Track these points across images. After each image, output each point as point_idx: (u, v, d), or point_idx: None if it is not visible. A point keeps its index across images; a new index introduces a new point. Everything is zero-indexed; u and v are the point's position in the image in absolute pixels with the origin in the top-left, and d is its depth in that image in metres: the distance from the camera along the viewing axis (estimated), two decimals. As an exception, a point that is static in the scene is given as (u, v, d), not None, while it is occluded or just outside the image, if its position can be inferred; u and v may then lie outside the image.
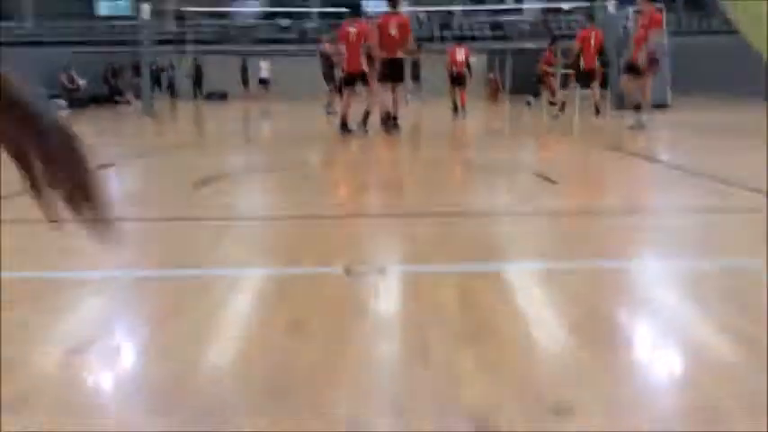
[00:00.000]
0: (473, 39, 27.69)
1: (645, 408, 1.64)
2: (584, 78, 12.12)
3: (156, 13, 29.74)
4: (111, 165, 6.48)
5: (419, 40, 22.51)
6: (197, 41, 28.49)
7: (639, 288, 2.70)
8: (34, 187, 0.59)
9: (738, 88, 18.61)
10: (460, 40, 16.30)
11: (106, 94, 21.93)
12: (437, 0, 33.34)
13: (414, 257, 3.13)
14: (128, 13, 31.02)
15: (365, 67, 9.36)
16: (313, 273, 2.82)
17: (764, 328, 2.04)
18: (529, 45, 29.62)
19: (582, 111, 14.27)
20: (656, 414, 1.61)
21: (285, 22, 32.06)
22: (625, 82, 9.93)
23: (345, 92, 9.68)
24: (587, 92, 12.77)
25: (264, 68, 22.95)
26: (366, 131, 9.37)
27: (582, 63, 11.79)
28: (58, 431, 1.54)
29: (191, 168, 6.42)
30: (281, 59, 25.00)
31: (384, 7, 9.75)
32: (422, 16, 32.07)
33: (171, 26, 30.87)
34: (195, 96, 25.45)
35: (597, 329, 2.16)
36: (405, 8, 10.66)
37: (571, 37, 25.41)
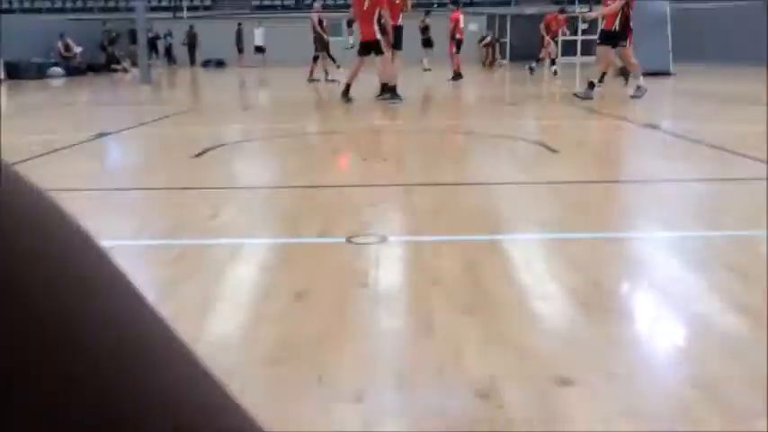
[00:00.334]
0: (471, 3, 27.35)
1: (647, 378, 1.65)
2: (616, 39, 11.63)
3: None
4: (109, 133, 6.44)
5: (421, 5, 22.29)
6: (192, 8, 28.17)
7: (642, 258, 2.70)
8: None
9: (740, 55, 18.47)
10: (456, 4, 16.06)
11: (103, 62, 21.73)
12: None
13: (416, 227, 3.13)
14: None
15: (379, 36, 9.24)
16: (315, 242, 2.82)
17: (765, 299, 2.05)
18: (530, 10, 29.34)
19: (582, 79, 14.13)
20: (658, 385, 1.62)
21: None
22: (604, 52, 9.62)
23: (357, 60, 9.55)
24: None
25: (259, 35, 22.68)
26: (398, 98, 9.29)
27: (617, 24, 11.40)
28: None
29: (189, 137, 6.39)
30: (277, 26, 24.72)
31: None
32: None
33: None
34: (192, 63, 25.22)
35: (599, 300, 2.16)
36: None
37: (576, 2, 25.18)
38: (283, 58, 22.73)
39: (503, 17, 26.42)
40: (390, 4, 9.36)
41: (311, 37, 14.42)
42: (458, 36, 14.89)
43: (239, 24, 24.65)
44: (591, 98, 9.27)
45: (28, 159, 4.58)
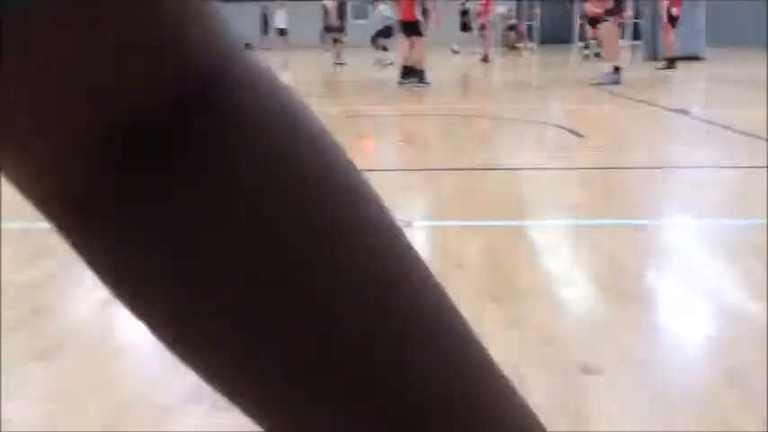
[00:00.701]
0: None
1: (674, 366, 1.65)
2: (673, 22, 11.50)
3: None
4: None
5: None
6: (219, -9, 28.28)
7: (668, 245, 2.68)
8: None
9: (758, 38, 18.10)
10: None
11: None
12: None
13: (441, 212, 3.13)
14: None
15: (420, 17, 9.28)
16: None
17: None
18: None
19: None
20: (685, 372, 1.62)
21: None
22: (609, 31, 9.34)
23: (402, 40, 9.56)
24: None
25: (280, 17, 22.63)
26: (426, 81, 9.34)
27: (673, 8, 11.25)
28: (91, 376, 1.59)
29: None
30: (300, 7, 24.67)
31: None
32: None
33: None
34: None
35: (624, 287, 2.15)
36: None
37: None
38: (308, 40, 22.74)
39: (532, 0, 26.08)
40: None
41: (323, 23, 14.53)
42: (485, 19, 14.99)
43: (263, 7, 24.69)
44: (618, 83, 9.08)
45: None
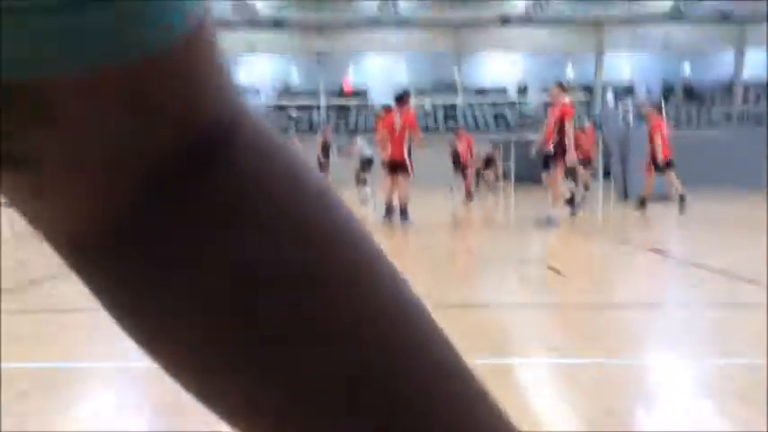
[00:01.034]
0: (476, 128, 28.34)
1: None
2: (663, 168, 11.59)
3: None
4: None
5: (425, 130, 23.06)
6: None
7: (652, 385, 2.68)
8: None
9: (738, 179, 18.86)
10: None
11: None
12: (440, 91, 34.33)
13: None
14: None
15: (407, 157, 9.55)
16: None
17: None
18: (532, 136, 30.30)
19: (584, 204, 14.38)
20: None
21: (294, 112, 32.95)
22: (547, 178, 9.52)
23: (387, 179, 9.78)
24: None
25: None
26: (409, 221, 9.52)
27: (658, 153, 11.53)
28: None
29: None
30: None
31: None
32: (427, 107, 32.95)
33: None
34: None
35: (612, 428, 2.14)
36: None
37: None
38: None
39: (507, 143, 27.26)
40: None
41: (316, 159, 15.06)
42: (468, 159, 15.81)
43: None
44: (557, 225, 9.17)
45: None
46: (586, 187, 15.77)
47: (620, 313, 4.03)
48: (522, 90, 35.09)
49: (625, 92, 32.38)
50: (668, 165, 11.40)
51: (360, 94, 34.47)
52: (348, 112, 33.19)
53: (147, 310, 0.28)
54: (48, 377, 2.63)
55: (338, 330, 0.27)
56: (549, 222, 9.20)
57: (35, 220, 0.27)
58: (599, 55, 33.83)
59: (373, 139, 12.25)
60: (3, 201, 0.30)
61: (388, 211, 9.76)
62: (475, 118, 32.74)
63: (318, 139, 15.40)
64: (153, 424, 2.20)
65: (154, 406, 2.36)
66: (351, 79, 35.93)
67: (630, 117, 18.38)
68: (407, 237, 8.31)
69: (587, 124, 15.80)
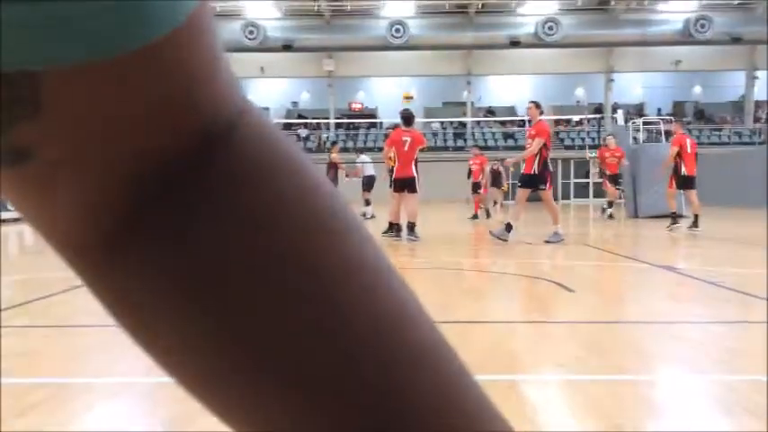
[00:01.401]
0: (486, 148, 28.41)
1: None
2: (686, 183, 11.40)
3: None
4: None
5: (434, 149, 23.14)
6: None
7: (662, 401, 2.64)
8: None
9: (750, 198, 18.76)
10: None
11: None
12: (450, 112, 34.51)
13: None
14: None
15: (416, 174, 9.63)
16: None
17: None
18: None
19: (595, 219, 14.31)
20: None
21: (304, 132, 33.14)
22: (522, 195, 9.52)
23: (395, 196, 9.85)
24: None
25: None
26: (417, 237, 9.60)
27: (684, 168, 11.52)
28: None
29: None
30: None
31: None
32: (435, 126, 33.07)
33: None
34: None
35: (622, 444, 2.10)
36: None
37: (587, 147, 26.05)
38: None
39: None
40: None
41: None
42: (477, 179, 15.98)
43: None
44: (506, 240, 9.28)
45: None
46: (610, 204, 15.73)
47: (629, 329, 3.99)
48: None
49: (636, 111, 32.42)
50: (691, 183, 11.35)
51: (369, 115, 34.68)
52: (357, 131, 33.35)
53: (152, 311, 0.27)
54: (53, 392, 2.62)
55: (346, 330, 0.27)
56: (555, 237, 9.30)
57: (36, 220, 0.27)
58: (609, 75, 33.88)
59: (377, 157, 12.38)
60: (12, 216, 0.30)
61: (392, 227, 9.82)
62: (484, 137, 32.82)
63: (330, 159, 15.47)
64: (156, 438, 2.18)
65: (159, 421, 2.34)
66: (360, 101, 36.18)
67: (640, 136, 18.36)
68: (415, 252, 8.29)
69: (611, 140, 15.68)
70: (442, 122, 33.53)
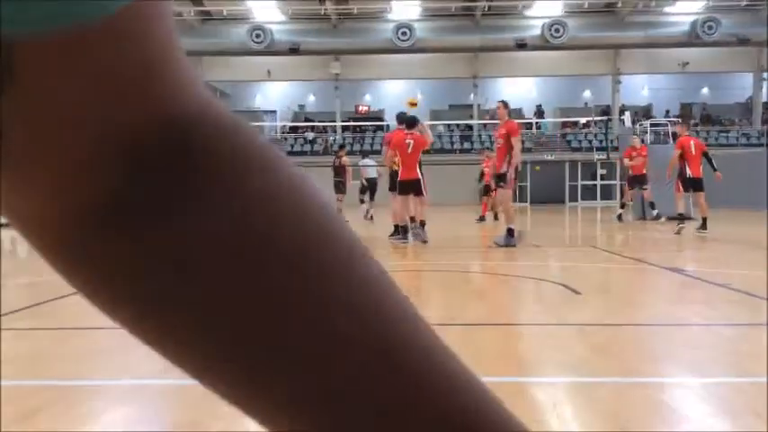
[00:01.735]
0: (492, 151, 28.41)
1: None
2: (693, 185, 11.39)
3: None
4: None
5: (441, 151, 23.09)
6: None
7: (670, 404, 2.64)
8: None
9: (757, 200, 18.66)
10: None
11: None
12: (456, 115, 34.47)
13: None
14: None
15: (420, 176, 9.60)
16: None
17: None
18: (548, 157, 30.30)
19: (602, 220, 14.24)
20: None
21: (310, 135, 33.18)
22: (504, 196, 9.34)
23: (400, 198, 9.82)
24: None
25: None
26: (424, 238, 9.56)
27: (688, 171, 11.45)
28: None
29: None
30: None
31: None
32: (442, 129, 33.04)
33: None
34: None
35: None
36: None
37: (594, 149, 25.98)
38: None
39: (522, 163, 27.32)
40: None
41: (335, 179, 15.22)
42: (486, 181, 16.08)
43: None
44: (514, 245, 8.99)
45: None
46: (623, 206, 15.67)
47: (637, 331, 3.98)
48: (539, 112, 35.14)
49: (643, 113, 32.33)
50: (698, 185, 11.30)
51: (376, 118, 34.68)
52: (364, 134, 33.37)
53: (134, 296, 0.28)
54: (58, 395, 2.64)
55: (323, 317, 0.27)
56: (505, 241, 8.94)
57: (11, 209, 0.27)
58: (616, 77, 33.80)
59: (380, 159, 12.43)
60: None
61: (398, 230, 9.79)
62: (491, 139, 32.77)
63: (336, 162, 15.50)
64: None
65: (166, 425, 2.35)
66: (367, 104, 36.20)
67: (648, 138, 18.29)
68: (422, 255, 8.30)
69: (636, 140, 15.50)
70: (448, 125, 33.52)
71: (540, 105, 35.63)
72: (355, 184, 15.33)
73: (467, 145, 32.01)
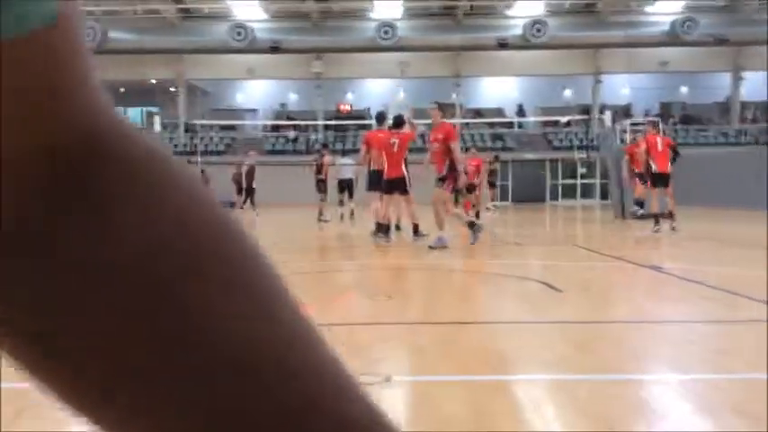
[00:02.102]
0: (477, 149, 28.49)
1: None
2: (660, 181, 11.35)
3: (166, 126, 30.78)
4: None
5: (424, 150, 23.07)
6: (206, 153, 29.24)
7: (649, 401, 2.66)
8: None
9: (736, 198, 18.89)
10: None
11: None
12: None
13: (421, 367, 3.11)
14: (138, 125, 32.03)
15: (406, 175, 9.47)
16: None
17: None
18: (529, 156, 30.46)
19: (586, 219, 14.33)
20: None
21: (292, 134, 33.05)
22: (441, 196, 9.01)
23: (385, 198, 9.69)
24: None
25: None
26: (425, 235, 9.41)
27: (654, 166, 11.39)
28: None
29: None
30: (277, 169, 25.30)
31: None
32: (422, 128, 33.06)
33: (180, 138, 31.84)
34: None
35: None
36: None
37: (574, 148, 26.11)
38: (276, 198, 23.34)
39: (504, 162, 27.32)
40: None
41: (314, 180, 15.21)
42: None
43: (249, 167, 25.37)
44: (478, 236, 9.05)
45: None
46: (641, 204, 15.67)
47: (617, 329, 4.01)
48: (521, 111, 35.30)
49: (623, 112, 32.57)
50: (663, 180, 11.36)
51: (358, 117, 34.63)
52: (345, 133, 33.32)
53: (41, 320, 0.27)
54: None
55: (226, 327, 0.28)
56: (438, 243, 8.68)
57: None
58: (596, 76, 34.03)
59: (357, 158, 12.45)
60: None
61: (380, 228, 9.68)
62: (473, 138, 32.86)
63: (318, 161, 15.51)
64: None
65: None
66: (349, 103, 36.14)
67: (627, 137, 18.45)
68: (404, 254, 8.30)
69: (640, 136, 15.41)
70: (430, 124, 33.53)
71: (522, 105, 35.79)
72: (332, 184, 15.31)
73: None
